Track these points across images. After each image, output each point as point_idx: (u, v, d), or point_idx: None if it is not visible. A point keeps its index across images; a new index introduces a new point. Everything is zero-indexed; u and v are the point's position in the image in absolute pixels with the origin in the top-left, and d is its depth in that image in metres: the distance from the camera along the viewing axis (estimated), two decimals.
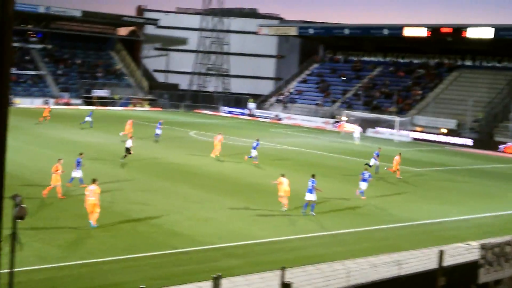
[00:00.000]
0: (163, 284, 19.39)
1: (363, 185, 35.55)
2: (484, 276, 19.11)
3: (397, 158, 44.30)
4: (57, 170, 30.27)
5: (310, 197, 30.46)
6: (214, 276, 15.47)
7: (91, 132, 59.69)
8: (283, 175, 31.67)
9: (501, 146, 68.04)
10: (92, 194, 25.70)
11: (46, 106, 73.86)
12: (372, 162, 44.91)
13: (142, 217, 27.53)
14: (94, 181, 26.35)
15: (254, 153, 46.35)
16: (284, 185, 31.13)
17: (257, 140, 48.35)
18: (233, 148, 54.59)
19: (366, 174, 35.96)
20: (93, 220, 25.51)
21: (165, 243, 23.78)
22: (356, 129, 70.57)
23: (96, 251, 22.33)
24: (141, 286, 15.32)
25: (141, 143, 52.86)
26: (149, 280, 19.46)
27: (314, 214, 30.34)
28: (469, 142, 71.25)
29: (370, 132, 77.81)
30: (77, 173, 32.87)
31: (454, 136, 73.57)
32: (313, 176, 31.12)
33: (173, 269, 21.13)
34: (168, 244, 23.65)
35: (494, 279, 19.47)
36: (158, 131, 56.70)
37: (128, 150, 43.28)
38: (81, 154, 34.12)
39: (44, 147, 48.00)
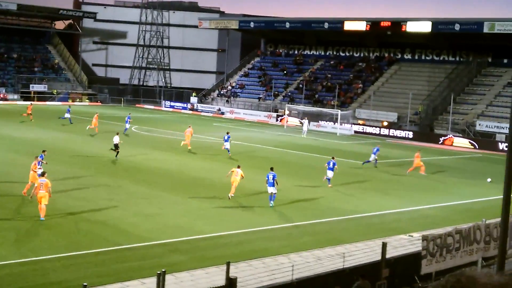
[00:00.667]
0: (107, 281, 19.14)
1: (329, 174, 37.54)
2: (426, 267, 19.36)
3: (417, 154, 45.54)
4: (35, 168, 30.22)
5: (272, 189, 31.02)
6: (159, 272, 15.31)
7: (30, 128, 58.51)
8: (238, 166, 33.10)
9: (441, 139, 69.28)
10: (42, 187, 25.79)
11: None
12: (372, 157, 46.96)
13: (85, 214, 27.10)
14: (43, 174, 26.59)
15: (227, 145, 47.80)
16: (236, 175, 32.21)
17: (228, 133, 49.30)
18: (176, 143, 54.20)
19: (331, 163, 37.68)
20: (42, 213, 25.52)
21: (109, 240, 23.45)
22: (304, 123, 71.12)
23: (38, 249, 21.88)
24: (83, 283, 15.05)
25: (81, 139, 52.09)
26: (92, 277, 19.16)
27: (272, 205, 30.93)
28: (410, 134, 72.37)
29: (312, 125, 78.26)
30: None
31: (395, 129, 74.62)
32: (271, 169, 31.84)
33: (117, 266, 20.86)
34: (112, 241, 23.32)
35: (436, 270, 19.73)
36: (127, 125, 58.52)
37: (116, 146, 43.58)
38: (43, 151, 33.94)
39: None
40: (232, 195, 32.12)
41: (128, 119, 58.90)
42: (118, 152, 43.42)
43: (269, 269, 20.57)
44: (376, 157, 47.13)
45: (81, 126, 60.69)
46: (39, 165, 31.96)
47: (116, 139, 44.06)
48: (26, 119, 64.37)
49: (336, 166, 37.94)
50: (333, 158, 39.24)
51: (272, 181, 31.03)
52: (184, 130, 52.56)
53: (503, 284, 2.39)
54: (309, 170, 44.25)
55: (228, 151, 47.70)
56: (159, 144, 53.22)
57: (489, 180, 42.81)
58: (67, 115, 64.31)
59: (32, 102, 79.01)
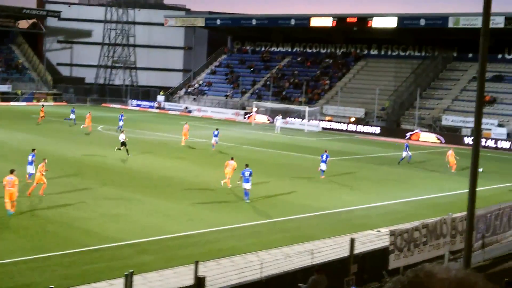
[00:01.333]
0: (75, 283, 18.96)
1: (323, 166, 39.62)
2: (394, 262, 19.46)
3: (450, 152, 46.57)
4: (43, 170, 30.72)
5: (247, 186, 31.58)
6: (127, 273, 15.18)
7: None
8: (232, 158, 35.44)
9: (408, 134, 69.76)
10: (10, 184, 26.13)
11: None
12: (404, 154, 48.04)
13: (51, 216, 26.80)
14: (12, 171, 26.79)
15: (215, 140, 51.09)
16: (228, 167, 34.46)
17: (217, 129, 52.67)
18: (143, 142, 53.91)
19: (324, 156, 39.75)
20: (11, 207, 25.98)
21: (76, 241, 23.21)
22: (277, 120, 71.47)
23: (4, 252, 21.58)
24: (50, 286, 14.87)
25: (47, 140, 51.50)
26: (60, 279, 18.98)
27: (248, 200, 31.46)
28: (377, 130, 72.79)
29: (280, 122, 78.32)
30: (31, 169, 33.18)
31: (362, 124, 74.98)
32: (246, 165, 32.48)
33: (84, 268, 20.65)
34: (79, 242, 23.09)
35: (404, 264, 19.84)
36: (120, 123, 59.93)
37: (124, 144, 44.63)
38: (33, 150, 34.37)
39: None
40: (226, 184, 34.18)
41: (121, 117, 61.51)
42: (127, 149, 44.42)
43: (238, 268, 20.51)
44: (410, 153, 48.37)
45: (48, 126, 60.00)
46: (30, 164, 33.15)
47: (122, 137, 45.28)
48: (41, 122, 64.23)
49: (328, 158, 40.01)
50: (325, 151, 41.08)
51: (248, 177, 31.47)
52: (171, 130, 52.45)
53: (461, 278, 2.38)
54: (277, 167, 44.27)
55: (213, 146, 50.73)
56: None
57: (480, 170, 43.25)
58: (72, 116, 64.43)
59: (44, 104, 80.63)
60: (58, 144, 50.20)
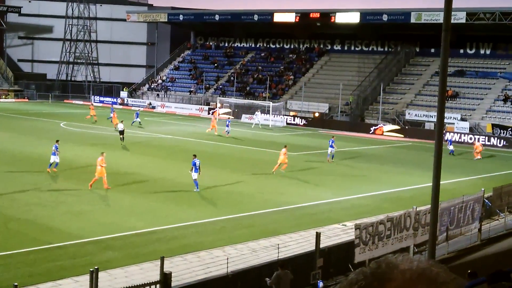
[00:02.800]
0: (39, 281, 18.78)
1: (329, 150, 44.36)
2: (360, 255, 19.61)
3: (478, 144, 52.64)
4: (103, 163, 32.36)
5: (196, 175, 32.50)
6: (92, 269, 15.07)
7: None
8: (285, 146, 40.72)
9: (372, 128, 70.28)
10: None
11: None
12: (451, 147, 52.17)
13: (13, 213, 26.45)
14: None
15: (228, 129, 59.18)
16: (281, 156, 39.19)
17: (229, 118, 61.34)
18: (105, 138, 53.49)
19: (331, 141, 44.89)
20: None
21: (39, 239, 22.94)
22: (257, 115, 72.61)
23: None
24: (14, 283, 14.69)
25: (8, 136, 50.82)
26: (24, 277, 18.77)
27: (198, 190, 32.42)
28: (342, 125, 73.17)
29: (244, 118, 78.36)
30: (56, 158, 35.47)
31: (326, 119, 75.26)
32: (194, 156, 33.24)
33: (49, 265, 20.44)
34: (42, 240, 22.83)
35: (369, 257, 19.99)
36: (137, 120, 63.98)
37: (122, 132, 49.37)
38: (57, 141, 36.76)
39: None
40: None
41: (137, 114, 65.03)
42: (123, 137, 49.28)
43: (204, 263, 20.49)
44: (451, 148, 52.11)
45: (9, 122, 59.21)
46: (54, 154, 35.62)
47: (121, 126, 49.86)
48: (90, 120, 66.45)
49: (334, 143, 44.98)
50: (333, 137, 46.28)
51: (197, 167, 32.50)
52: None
53: (423, 269, 2.41)
54: (241, 162, 44.27)
55: (227, 133, 59.01)
56: (88, 140, 52.34)
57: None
58: (137, 119, 65.03)
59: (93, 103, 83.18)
60: (17, 140, 49.52)
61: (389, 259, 2.45)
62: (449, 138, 54.98)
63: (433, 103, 70.39)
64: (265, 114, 76.07)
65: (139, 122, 64.40)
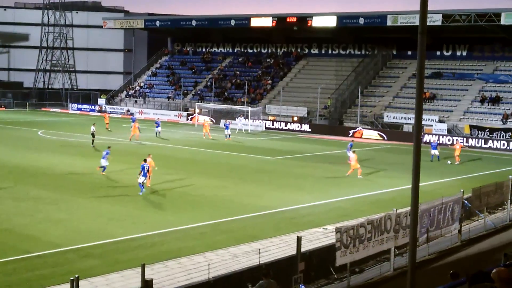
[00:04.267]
0: None
1: (350, 153, 43.67)
2: (341, 259, 19.60)
3: (457, 147, 50.66)
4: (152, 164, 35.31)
5: (142, 179, 33.49)
6: (72, 278, 14.92)
7: None
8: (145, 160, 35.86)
9: (351, 131, 70.46)
10: None
11: None
12: (436, 152, 49.93)
13: None
14: None
15: (227, 132, 61.79)
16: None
17: (226, 122, 64.94)
18: (83, 146, 53.19)
19: (349, 145, 46.33)
20: None
21: (17, 248, 22.70)
22: (240, 120, 73.37)
23: None
24: None
25: None
26: (2, 287, 18.51)
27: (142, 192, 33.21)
28: (321, 128, 73.34)
29: (223, 123, 78.24)
30: (105, 162, 38.91)
31: (305, 123, 75.40)
32: (145, 160, 34.54)
33: (27, 275, 20.22)
34: (20, 249, 22.59)
35: (350, 260, 20.00)
36: (159, 129, 63.42)
37: (93, 134, 53.02)
38: (108, 147, 40.53)
39: None
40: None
41: (159, 123, 64.05)
42: (93, 140, 52.58)
43: (185, 269, 20.38)
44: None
45: None
46: (104, 158, 38.93)
47: (93, 128, 53.27)
48: (109, 128, 68.05)
49: (352, 145, 46.50)
50: (352, 140, 46.54)
51: (146, 171, 33.56)
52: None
53: None
54: (220, 167, 44.17)
55: (227, 136, 61.00)
56: (66, 148, 51.99)
57: (448, 162, 49.18)
58: (158, 129, 64.20)
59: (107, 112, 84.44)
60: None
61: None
62: (432, 142, 52.19)
63: (411, 105, 70.76)
64: (244, 119, 76.07)
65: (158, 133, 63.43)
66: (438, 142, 54.57)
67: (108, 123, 69.14)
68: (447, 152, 52.04)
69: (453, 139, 62.03)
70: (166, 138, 61.42)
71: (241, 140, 62.44)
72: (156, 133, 62.44)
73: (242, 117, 74.03)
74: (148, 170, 33.74)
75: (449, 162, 49.17)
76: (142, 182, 33.40)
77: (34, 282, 19.45)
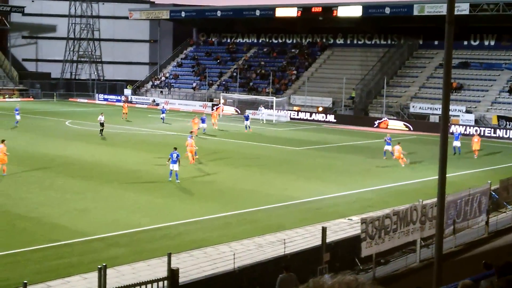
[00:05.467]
0: (48, 278, 18.86)
1: (387, 147, 44.42)
2: (366, 250, 19.59)
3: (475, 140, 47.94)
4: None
5: (175, 167, 33.94)
6: (100, 266, 15.08)
7: None
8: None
9: (376, 122, 70.16)
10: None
11: None
12: (458, 143, 47.86)
13: (20, 212, 26.53)
14: (3, 141, 35.23)
15: (247, 123, 60.52)
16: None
17: (246, 113, 64.46)
18: (113, 136, 53.53)
19: (387, 139, 44.97)
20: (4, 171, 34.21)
21: (46, 237, 23.02)
22: (261, 110, 73.03)
23: None
24: (24, 281, 14.72)
25: (13, 135, 50.86)
26: (32, 274, 18.84)
27: (179, 181, 33.81)
28: (346, 119, 73.08)
29: (248, 113, 78.16)
30: (174, 167, 34.50)
31: (330, 113, 75.15)
32: (175, 149, 34.81)
33: (56, 262, 20.50)
34: (49, 238, 22.90)
35: (376, 251, 19.97)
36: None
37: (102, 124, 52.75)
38: (175, 148, 35.66)
39: None
40: None
41: (204, 119, 60.03)
42: (102, 129, 52.42)
43: (211, 259, 20.49)
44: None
45: (11, 122, 59.30)
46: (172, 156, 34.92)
47: (101, 118, 52.98)
48: (127, 118, 68.52)
49: (391, 140, 45.04)
50: (388, 134, 46.07)
51: (175, 159, 33.86)
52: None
53: (347, 282, 2.49)
54: (245, 158, 44.23)
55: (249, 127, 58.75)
56: (93, 137, 52.37)
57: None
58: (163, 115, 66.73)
59: (125, 102, 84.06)
60: (25, 139, 49.56)
61: (315, 280, 2.54)
62: (455, 132, 50.29)
63: (437, 96, 70.25)
64: (269, 109, 76.01)
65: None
66: (461, 132, 52.85)
67: (126, 113, 69.48)
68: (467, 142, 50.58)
69: (475, 132, 60.24)
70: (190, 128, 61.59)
71: (263, 131, 62.40)
72: (202, 129, 59.49)
73: (263, 107, 73.76)
74: (177, 158, 33.90)
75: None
76: (174, 170, 34.01)
77: (62, 270, 19.69)
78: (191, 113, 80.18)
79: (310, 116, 75.58)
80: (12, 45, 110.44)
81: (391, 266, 21.29)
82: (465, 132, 60.24)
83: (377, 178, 37.60)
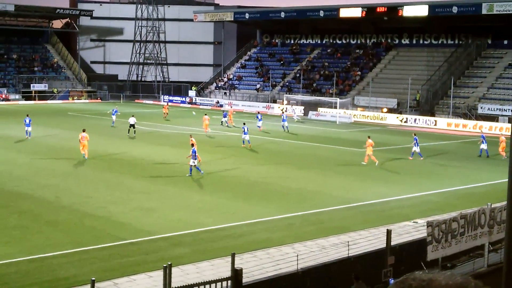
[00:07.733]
0: (114, 276, 19.16)
1: (416, 149, 44.23)
2: (432, 253, 19.23)
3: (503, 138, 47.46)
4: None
5: (192, 162, 35.76)
6: (165, 265, 15.22)
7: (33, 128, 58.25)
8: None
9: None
10: (84, 139, 40.23)
11: None
12: (485, 147, 46.62)
13: (88, 210, 27.06)
14: (84, 130, 40.61)
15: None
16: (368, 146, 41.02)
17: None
18: (178, 137, 54.10)
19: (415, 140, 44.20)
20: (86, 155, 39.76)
21: (113, 235, 23.42)
22: (294, 111, 72.77)
23: (44, 246, 21.86)
24: (92, 278, 14.98)
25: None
26: (99, 272, 19.17)
27: (202, 172, 35.82)
28: (411, 120, 72.19)
29: (311, 115, 78.05)
30: (192, 162, 36.33)
31: (395, 115, 74.31)
32: (192, 145, 36.75)
33: (122, 260, 20.82)
34: (115, 236, 23.28)
35: (442, 255, 19.61)
36: (224, 119, 65.35)
37: (133, 126, 53.98)
38: (192, 145, 37.38)
39: None
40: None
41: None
42: (134, 130, 53.79)
43: (274, 259, 20.47)
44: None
45: (81, 122, 60.48)
46: (194, 157, 36.42)
47: (133, 120, 53.95)
48: (168, 117, 70.99)
49: (416, 141, 44.24)
50: (414, 134, 45.27)
51: (193, 153, 35.73)
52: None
53: (460, 283, 2.39)
54: (306, 159, 44.06)
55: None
56: (159, 139, 53.05)
57: (193, 113, 57.37)
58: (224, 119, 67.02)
59: (168, 102, 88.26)
60: (91, 140, 50.43)
61: (426, 276, 2.44)
62: (482, 133, 48.69)
63: (507, 96, 68.77)
64: (332, 110, 75.59)
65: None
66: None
67: (167, 113, 71.49)
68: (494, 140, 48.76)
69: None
70: (252, 129, 61.78)
71: (315, 132, 62.06)
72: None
73: (295, 108, 73.68)
74: (195, 153, 35.66)
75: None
76: (193, 165, 35.83)
77: (128, 268, 20.00)
78: (255, 114, 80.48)
79: (374, 116, 74.77)
80: (81, 48, 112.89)
81: (458, 270, 20.87)
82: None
83: (443, 180, 36.93)
